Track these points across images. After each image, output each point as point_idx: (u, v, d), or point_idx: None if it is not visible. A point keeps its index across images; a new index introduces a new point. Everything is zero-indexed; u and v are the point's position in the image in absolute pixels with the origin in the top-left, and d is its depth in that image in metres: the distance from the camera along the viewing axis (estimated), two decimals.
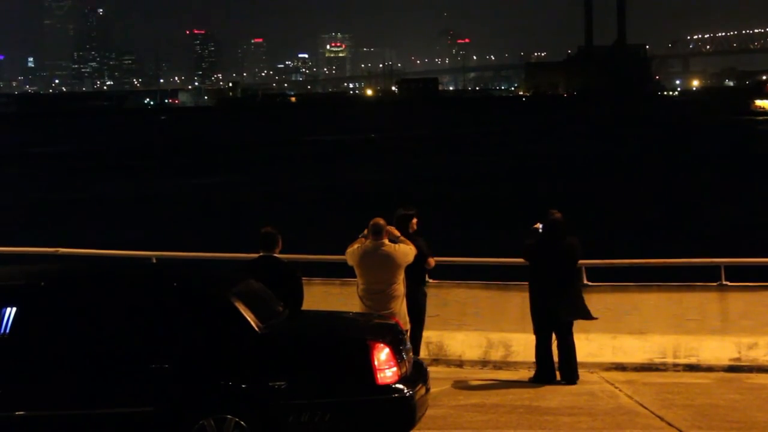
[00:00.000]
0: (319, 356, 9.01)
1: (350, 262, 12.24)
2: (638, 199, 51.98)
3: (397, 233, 12.19)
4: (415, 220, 12.84)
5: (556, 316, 12.81)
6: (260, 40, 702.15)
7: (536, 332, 13.01)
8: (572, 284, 12.93)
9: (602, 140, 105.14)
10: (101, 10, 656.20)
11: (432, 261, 12.93)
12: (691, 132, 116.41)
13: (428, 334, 13.92)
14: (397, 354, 9.15)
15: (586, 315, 12.99)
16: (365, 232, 12.19)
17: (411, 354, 9.79)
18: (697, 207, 47.38)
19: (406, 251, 12.06)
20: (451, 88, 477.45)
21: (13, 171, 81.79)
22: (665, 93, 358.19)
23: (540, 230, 12.90)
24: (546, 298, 12.79)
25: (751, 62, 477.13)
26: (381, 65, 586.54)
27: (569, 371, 12.91)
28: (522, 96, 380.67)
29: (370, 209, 12.92)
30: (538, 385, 12.68)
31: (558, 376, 12.93)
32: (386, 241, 12.01)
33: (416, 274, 12.73)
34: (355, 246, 12.15)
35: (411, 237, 12.52)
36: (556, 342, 12.99)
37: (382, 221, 12.07)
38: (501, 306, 14.05)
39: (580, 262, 13.98)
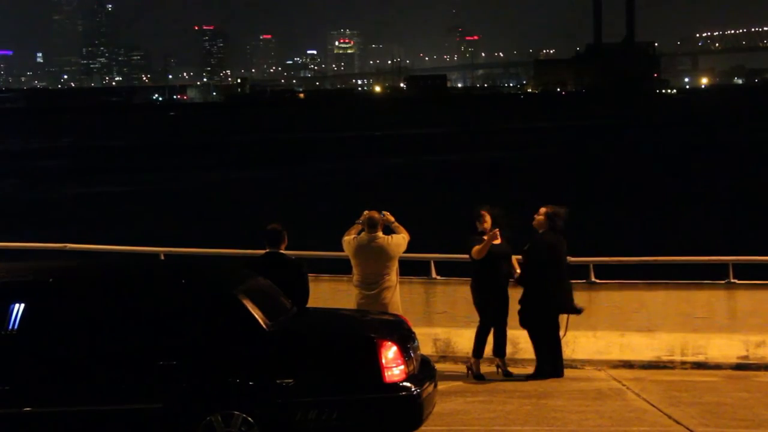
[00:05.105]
0: (326, 354, 9.02)
1: (346, 251, 12.66)
2: (644, 197, 51.86)
3: (392, 219, 12.55)
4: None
5: (555, 312, 12.90)
6: (269, 37, 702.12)
7: (530, 328, 13.07)
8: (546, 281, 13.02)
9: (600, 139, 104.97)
10: (110, 5, 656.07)
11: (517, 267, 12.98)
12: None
13: (436, 331, 13.95)
14: (404, 352, 9.14)
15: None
16: (361, 218, 12.52)
17: (419, 352, 9.78)
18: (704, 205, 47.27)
19: (399, 242, 12.47)
20: (459, 85, 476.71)
21: (17, 168, 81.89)
22: (664, 91, 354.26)
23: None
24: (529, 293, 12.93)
25: (760, 60, 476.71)
26: (389, 62, 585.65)
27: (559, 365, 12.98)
28: (535, 92, 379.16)
29: (372, 206, 12.93)
30: (545, 382, 12.69)
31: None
32: (380, 233, 12.40)
33: (483, 273, 12.90)
34: (353, 235, 12.56)
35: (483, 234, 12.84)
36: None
37: (376, 214, 12.50)
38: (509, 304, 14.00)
39: (588, 259, 14.01)
